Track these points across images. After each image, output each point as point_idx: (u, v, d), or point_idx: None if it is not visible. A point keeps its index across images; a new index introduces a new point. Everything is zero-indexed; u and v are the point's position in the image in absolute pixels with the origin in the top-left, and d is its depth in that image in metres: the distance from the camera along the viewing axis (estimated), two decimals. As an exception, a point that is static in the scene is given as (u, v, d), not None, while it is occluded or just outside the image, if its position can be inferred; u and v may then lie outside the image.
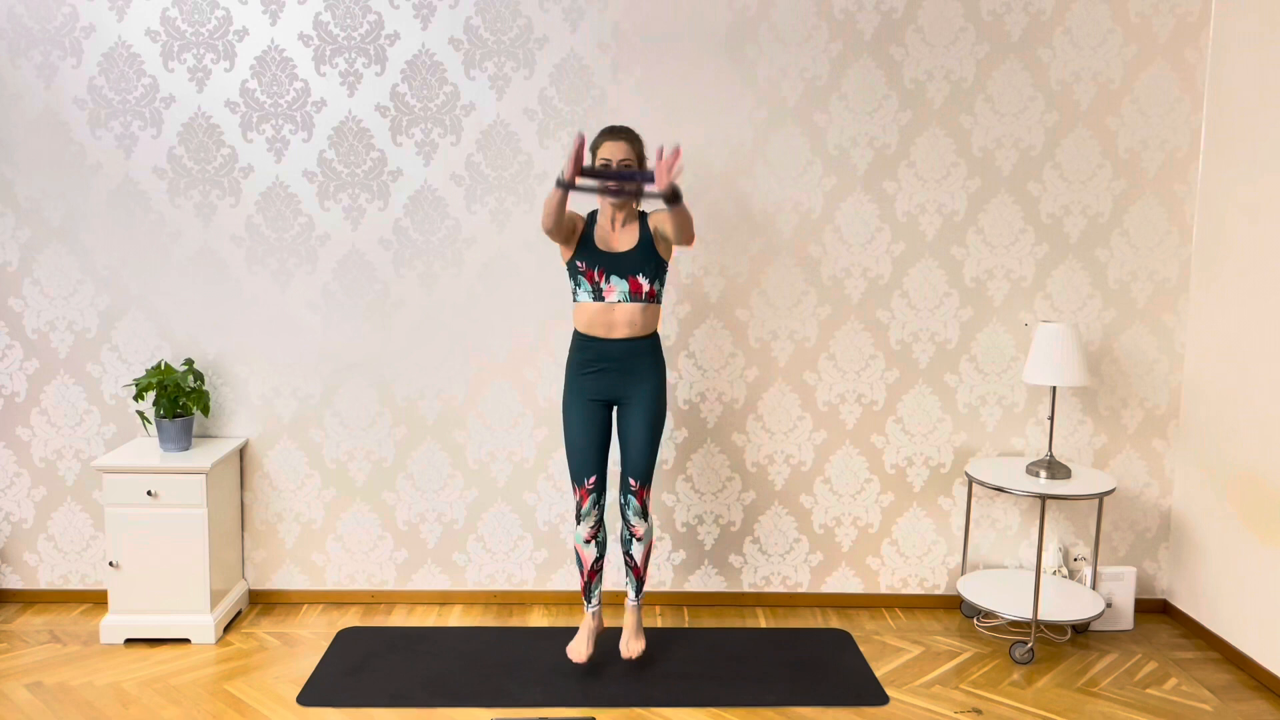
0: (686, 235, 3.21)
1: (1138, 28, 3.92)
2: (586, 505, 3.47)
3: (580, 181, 3.18)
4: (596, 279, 3.34)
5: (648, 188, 3.25)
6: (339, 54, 3.88)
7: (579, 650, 3.50)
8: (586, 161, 3.39)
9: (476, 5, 3.86)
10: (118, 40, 3.84)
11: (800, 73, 3.91)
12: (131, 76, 3.86)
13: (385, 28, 3.87)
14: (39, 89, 3.86)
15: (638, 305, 3.35)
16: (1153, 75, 3.94)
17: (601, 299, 3.34)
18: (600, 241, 3.36)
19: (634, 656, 3.49)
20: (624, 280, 3.33)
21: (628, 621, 3.56)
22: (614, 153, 3.31)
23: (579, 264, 3.35)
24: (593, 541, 3.50)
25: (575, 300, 3.40)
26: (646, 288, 3.35)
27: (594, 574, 3.53)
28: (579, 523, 3.49)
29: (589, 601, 3.56)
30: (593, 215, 3.42)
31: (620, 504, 3.49)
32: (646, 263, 3.34)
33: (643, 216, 3.41)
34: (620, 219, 3.38)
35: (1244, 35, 3.73)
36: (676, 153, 3.01)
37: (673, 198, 3.05)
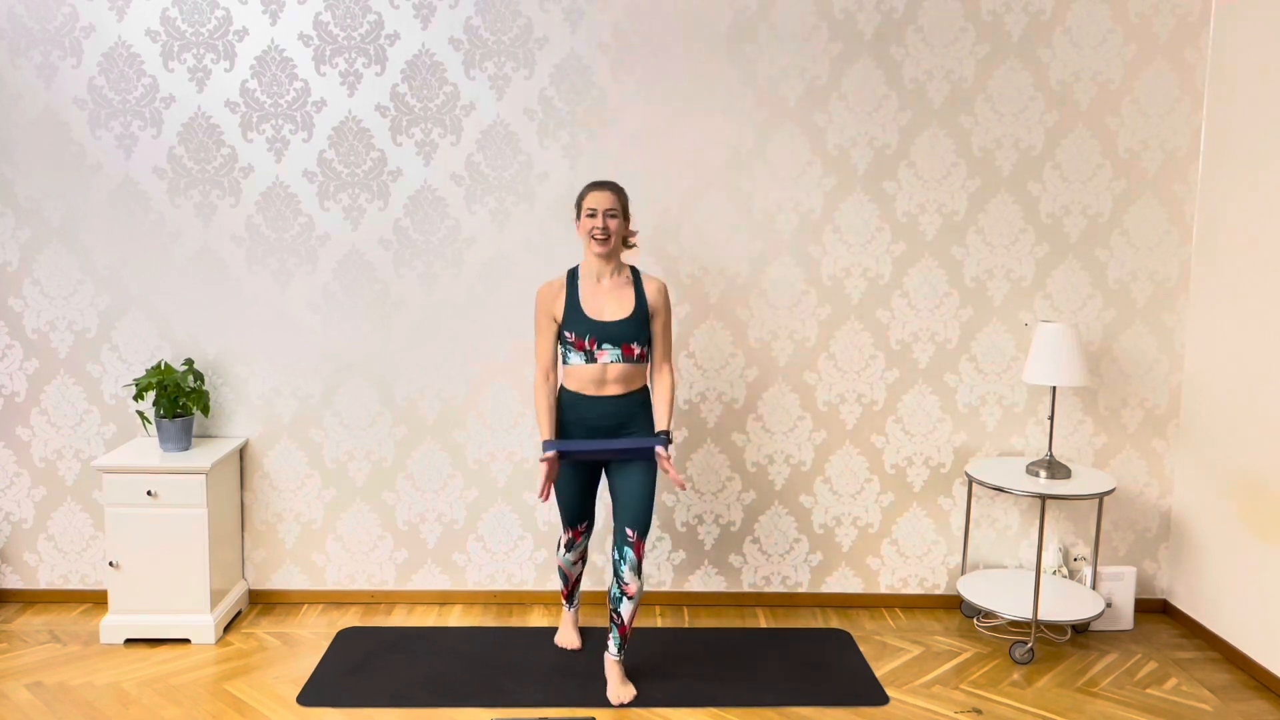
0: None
1: (1138, 28, 3.92)
2: (579, 541, 3.56)
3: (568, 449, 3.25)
4: (588, 347, 3.26)
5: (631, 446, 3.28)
6: (339, 54, 3.88)
7: (571, 639, 3.69)
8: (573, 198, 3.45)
9: (476, 5, 3.86)
10: (118, 40, 3.84)
11: (800, 73, 3.91)
12: (131, 76, 3.86)
13: (385, 28, 3.87)
14: (39, 89, 3.86)
15: (629, 365, 3.29)
16: (1153, 75, 3.94)
17: (594, 361, 3.27)
18: (589, 307, 3.26)
19: (625, 702, 3.33)
20: (616, 347, 3.26)
21: (611, 674, 3.40)
22: (600, 202, 3.24)
23: (568, 336, 3.26)
24: (580, 562, 3.64)
25: (565, 362, 3.32)
26: (638, 351, 3.29)
27: (575, 584, 3.70)
28: (568, 550, 3.58)
29: (569, 603, 3.74)
30: (573, 275, 3.33)
31: (614, 560, 3.31)
32: (640, 331, 3.28)
33: (636, 276, 3.33)
34: (607, 271, 3.29)
35: (1244, 35, 3.73)
36: (678, 480, 3.15)
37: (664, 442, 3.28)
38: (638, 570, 3.30)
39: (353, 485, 4.09)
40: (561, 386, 3.37)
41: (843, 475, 4.13)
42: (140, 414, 3.91)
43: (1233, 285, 3.77)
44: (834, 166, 3.96)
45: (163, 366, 3.84)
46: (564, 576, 3.66)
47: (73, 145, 3.89)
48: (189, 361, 3.93)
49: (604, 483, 3.58)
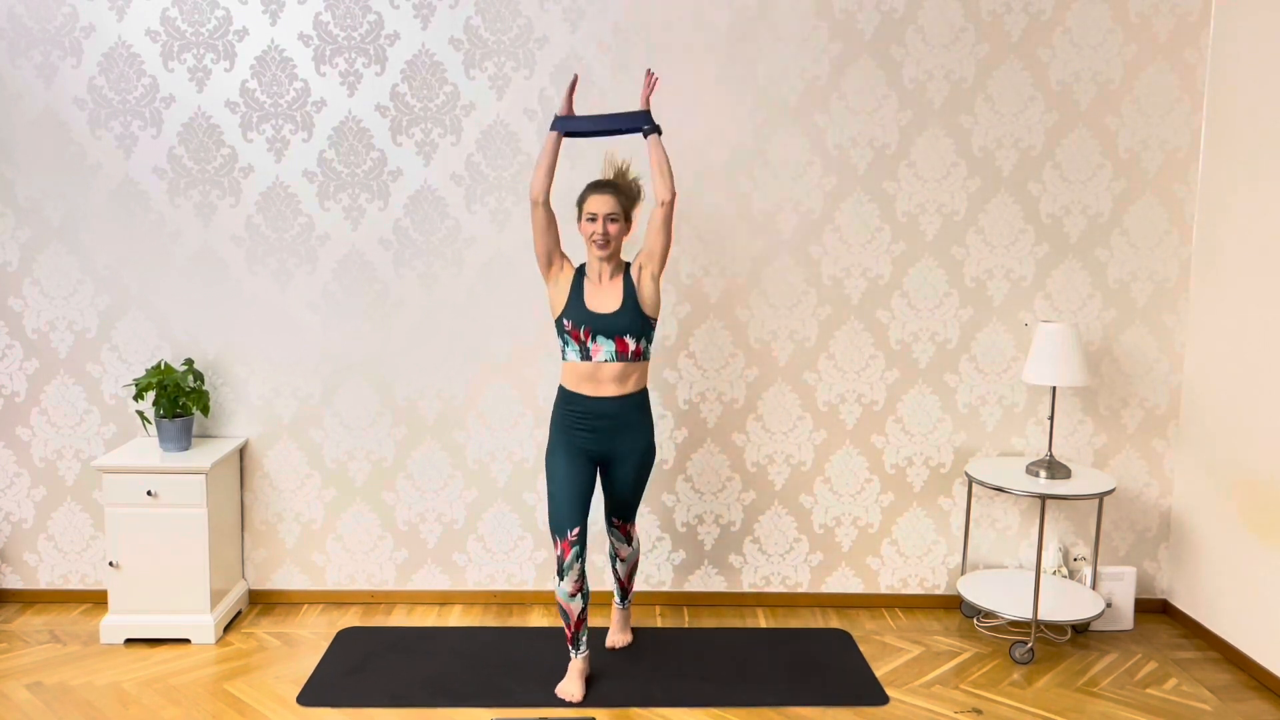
0: (666, 179, 3.26)
1: (1138, 28, 3.92)
2: (569, 558, 3.27)
3: (573, 126, 3.35)
4: (583, 339, 3.28)
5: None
6: (339, 54, 3.88)
7: (573, 691, 3.36)
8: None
9: (476, 5, 3.86)
10: (118, 40, 3.84)
11: (800, 73, 3.91)
12: (131, 76, 3.86)
13: (385, 28, 3.87)
14: (39, 89, 3.86)
15: (624, 364, 3.29)
16: (1153, 75, 3.94)
17: (589, 358, 3.28)
18: (589, 299, 3.30)
19: (618, 646, 3.51)
20: (610, 340, 3.27)
21: (615, 619, 3.66)
22: (600, 207, 3.26)
23: (565, 323, 3.29)
24: (578, 595, 3.31)
25: (564, 359, 3.35)
26: (633, 347, 3.29)
27: (580, 623, 3.36)
28: (561, 578, 3.29)
29: (577, 649, 3.39)
30: (582, 268, 3.37)
31: (606, 530, 3.62)
32: (633, 323, 3.28)
33: (626, 270, 3.35)
34: (607, 271, 3.32)
35: (1244, 35, 3.73)
36: (651, 80, 3.33)
37: (653, 128, 3.32)
38: (628, 541, 3.61)
39: (353, 485, 4.09)
40: (560, 384, 3.39)
41: (843, 475, 4.13)
42: (140, 414, 3.91)
43: (1233, 285, 3.77)
44: (834, 166, 3.96)
45: (163, 366, 3.84)
46: (565, 614, 3.35)
47: (73, 145, 3.89)
48: (189, 361, 3.93)
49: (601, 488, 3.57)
